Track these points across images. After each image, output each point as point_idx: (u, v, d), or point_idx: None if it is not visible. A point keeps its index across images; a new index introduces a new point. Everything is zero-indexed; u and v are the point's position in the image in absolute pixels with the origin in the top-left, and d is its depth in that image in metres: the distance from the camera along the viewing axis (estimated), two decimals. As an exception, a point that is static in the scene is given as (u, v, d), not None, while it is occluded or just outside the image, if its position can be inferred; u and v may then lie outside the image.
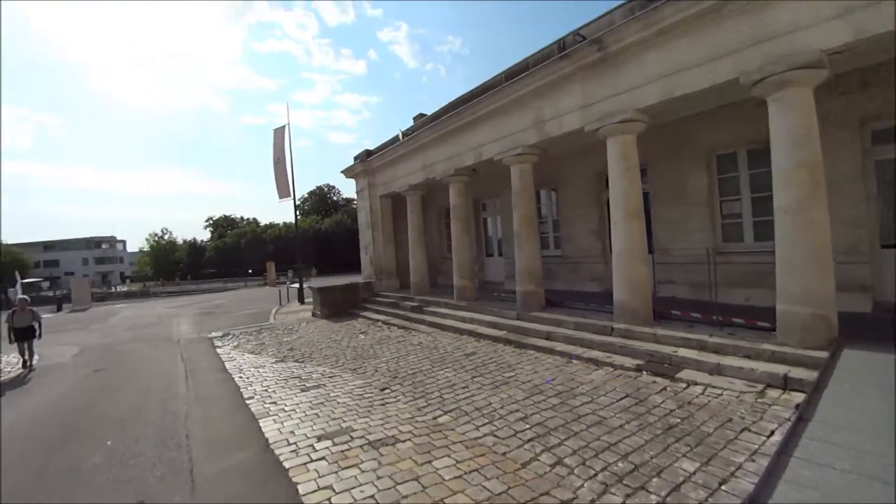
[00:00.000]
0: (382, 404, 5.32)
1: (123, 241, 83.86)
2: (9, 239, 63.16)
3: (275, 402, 5.55)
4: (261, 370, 7.44)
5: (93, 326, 16.07)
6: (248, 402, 5.67)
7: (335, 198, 69.26)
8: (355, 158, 15.43)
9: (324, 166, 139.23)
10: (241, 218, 68.48)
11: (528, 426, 4.43)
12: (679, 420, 4.23)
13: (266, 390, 6.14)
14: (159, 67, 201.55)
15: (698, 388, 4.95)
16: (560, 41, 7.78)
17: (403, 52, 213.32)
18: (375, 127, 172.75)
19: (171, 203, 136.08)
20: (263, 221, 65.24)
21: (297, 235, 22.16)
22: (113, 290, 47.02)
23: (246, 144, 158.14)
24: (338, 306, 13.64)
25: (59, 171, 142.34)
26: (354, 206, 67.42)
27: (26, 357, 9.13)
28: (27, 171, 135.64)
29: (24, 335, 9.05)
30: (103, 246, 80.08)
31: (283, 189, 20.22)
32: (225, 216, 68.64)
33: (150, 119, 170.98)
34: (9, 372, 8.76)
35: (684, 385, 5.11)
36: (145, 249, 68.55)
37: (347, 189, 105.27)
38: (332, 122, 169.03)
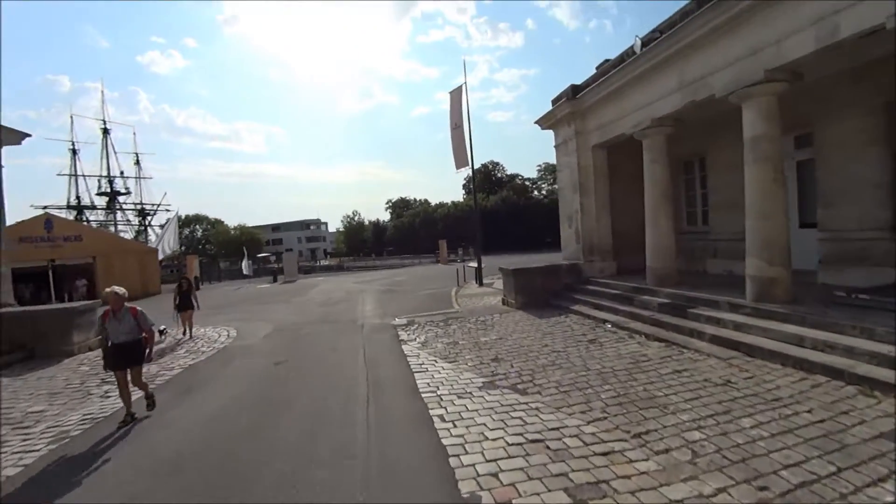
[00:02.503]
0: None
1: (326, 223, 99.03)
2: (249, 222, 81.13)
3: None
4: (468, 403, 4.75)
5: (294, 299, 16.77)
6: (472, 509, 2.87)
7: (499, 174, 67.68)
8: (554, 102, 11.72)
9: (483, 147, 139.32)
10: (415, 199, 72.80)
11: None
12: None
13: (497, 474, 3.26)
14: (351, 74, 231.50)
15: None
16: None
17: (563, 14, 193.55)
18: (533, 101, 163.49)
19: (360, 189, 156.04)
20: (434, 201, 68.06)
21: (475, 211, 19.82)
22: (317, 264, 55.03)
23: (417, 133, 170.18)
24: (536, 294, 10.54)
25: (283, 168, 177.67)
26: (519, 182, 65.37)
27: (127, 399, 4.95)
28: (263, 171, 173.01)
29: (122, 358, 4.85)
30: (311, 227, 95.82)
31: (461, 158, 18.11)
32: (401, 198, 74.11)
33: (346, 119, 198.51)
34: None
35: None
36: (341, 230, 79.19)
37: (511, 165, 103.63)
38: (490, 101, 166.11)
